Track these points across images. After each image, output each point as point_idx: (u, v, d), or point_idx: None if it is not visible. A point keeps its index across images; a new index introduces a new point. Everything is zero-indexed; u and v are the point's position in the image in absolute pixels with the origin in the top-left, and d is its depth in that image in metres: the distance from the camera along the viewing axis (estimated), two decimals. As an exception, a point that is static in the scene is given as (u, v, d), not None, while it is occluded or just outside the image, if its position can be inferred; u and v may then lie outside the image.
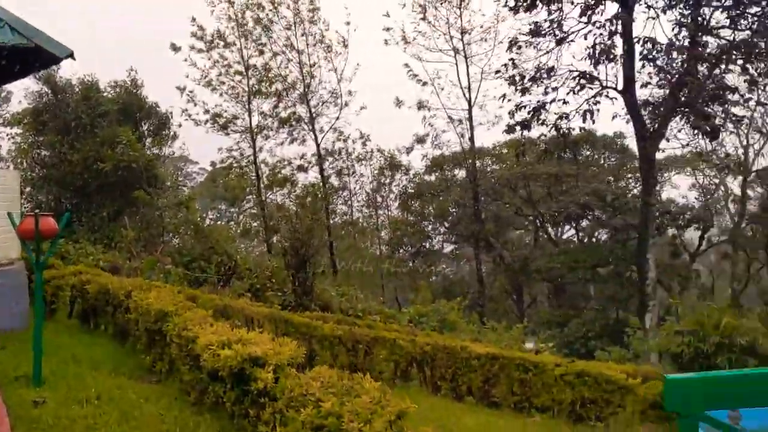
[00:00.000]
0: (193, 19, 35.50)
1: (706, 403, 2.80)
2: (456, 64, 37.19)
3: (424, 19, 36.59)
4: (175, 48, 35.54)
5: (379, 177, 44.45)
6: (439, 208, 43.35)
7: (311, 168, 40.42)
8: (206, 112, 36.52)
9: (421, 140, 41.03)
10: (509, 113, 29.77)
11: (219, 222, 44.44)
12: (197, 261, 20.95)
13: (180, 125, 37.25)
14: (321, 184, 39.85)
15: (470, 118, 37.76)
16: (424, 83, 37.59)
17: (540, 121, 29.40)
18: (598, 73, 28.71)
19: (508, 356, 13.27)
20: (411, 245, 42.96)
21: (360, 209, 47.06)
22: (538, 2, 29.18)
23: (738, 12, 27.73)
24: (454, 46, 36.97)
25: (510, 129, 30.31)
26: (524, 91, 29.48)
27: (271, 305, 17.99)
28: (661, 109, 29.49)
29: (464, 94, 37.53)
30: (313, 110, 38.37)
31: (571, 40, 29.27)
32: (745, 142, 40.27)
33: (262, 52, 36.88)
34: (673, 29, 28.19)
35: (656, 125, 29.57)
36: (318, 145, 39.23)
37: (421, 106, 38.34)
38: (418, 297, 28.86)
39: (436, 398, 13.52)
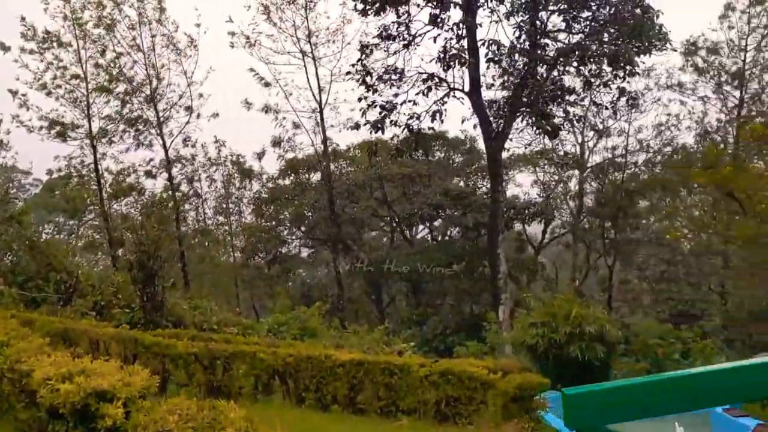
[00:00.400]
0: (23, 19, 32.77)
1: (606, 417, 2.61)
2: (305, 66, 36.83)
3: (268, 19, 35.84)
4: (4, 48, 32.70)
5: (228, 183, 43.40)
6: (294, 213, 42.82)
7: (160, 174, 38.74)
8: (42, 117, 33.89)
9: (276, 143, 40.37)
10: (360, 111, 29.84)
11: (58, 236, 41.48)
12: (33, 280, 19.34)
13: (9, 132, 34.48)
14: (170, 191, 38.22)
15: (322, 120, 37.54)
16: (267, 84, 36.87)
17: (392, 122, 29.70)
18: (446, 76, 29.42)
19: (372, 361, 13.09)
20: (266, 251, 42.10)
21: (213, 216, 45.72)
22: (386, 6, 29.41)
23: (572, 16, 29.38)
24: (301, 48, 36.57)
25: (356, 126, 30.32)
26: (374, 91, 29.64)
27: (119, 324, 16.83)
28: (506, 109, 30.69)
29: (314, 97, 37.30)
30: (160, 114, 36.73)
31: (417, 45, 29.74)
32: (581, 140, 42.85)
33: (104, 53, 34.76)
34: (514, 33, 29.45)
35: (501, 125, 30.72)
36: (166, 151, 37.59)
37: (268, 109, 37.61)
38: (277, 305, 28.22)
39: (300, 410, 13.14)
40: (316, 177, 42.45)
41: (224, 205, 45.44)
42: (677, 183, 40.52)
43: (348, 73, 30.53)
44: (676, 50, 32.70)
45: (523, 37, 29.26)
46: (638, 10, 28.28)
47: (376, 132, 30.06)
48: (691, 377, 2.21)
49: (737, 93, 37.86)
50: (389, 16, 29.66)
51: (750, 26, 36.31)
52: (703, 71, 37.94)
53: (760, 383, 2.12)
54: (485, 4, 29.16)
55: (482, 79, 30.15)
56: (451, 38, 28.78)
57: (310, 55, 36.58)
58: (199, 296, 26.55)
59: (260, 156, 41.60)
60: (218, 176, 43.72)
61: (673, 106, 40.15)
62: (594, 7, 29.41)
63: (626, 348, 22.65)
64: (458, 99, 29.96)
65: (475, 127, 31.76)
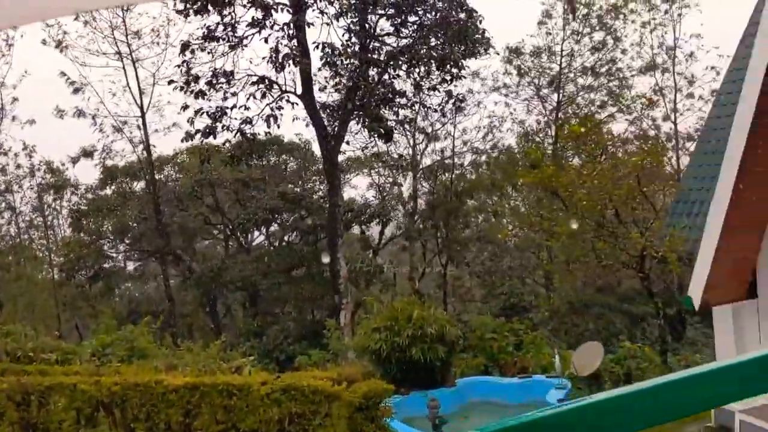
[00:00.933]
0: None
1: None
2: (124, 68, 34.50)
3: (76, 19, 33.12)
4: None
5: (42, 194, 40.04)
6: (118, 224, 40.01)
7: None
8: None
9: (86, 154, 37.56)
10: (189, 120, 28.17)
11: None
12: None
13: None
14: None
15: (144, 125, 35.42)
16: (77, 90, 34.13)
17: (224, 127, 28.41)
18: (278, 78, 28.57)
19: (209, 383, 12.12)
20: (87, 267, 38.94)
21: (26, 230, 42.08)
22: (209, 6, 28.00)
23: (399, 21, 29.71)
24: (119, 49, 34.25)
25: (189, 136, 28.75)
26: (201, 95, 28.12)
27: None
28: (340, 112, 30.45)
29: (135, 101, 35.07)
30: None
31: (245, 45, 28.62)
32: (413, 143, 43.56)
33: None
34: (344, 35, 29.26)
35: (336, 128, 30.46)
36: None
37: (81, 113, 34.85)
38: (101, 325, 26.06)
39: (130, 443, 11.96)
40: (140, 185, 40.01)
41: (40, 219, 41.97)
42: (503, 182, 42.34)
43: (171, 81, 28.62)
44: (498, 54, 34.16)
45: (354, 39, 29.17)
46: (463, 15, 29.08)
47: (207, 138, 28.68)
48: (584, 408, 1.69)
49: (555, 96, 40.25)
50: (213, 17, 28.26)
51: (565, 32, 38.72)
52: (524, 74, 39.97)
53: (661, 407, 1.65)
54: (314, 4, 28.70)
55: (315, 81, 29.70)
56: (283, 37, 28.03)
57: (129, 57, 34.45)
58: (13, 320, 24.17)
59: (75, 161, 38.52)
60: (33, 186, 40.31)
61: (497, 108, 41.94)
62: (421, 12, 29.92)
63: (464, 344, 23.08)
64: (291, 103, 29.23)
65: (307, 125, 31.38)
